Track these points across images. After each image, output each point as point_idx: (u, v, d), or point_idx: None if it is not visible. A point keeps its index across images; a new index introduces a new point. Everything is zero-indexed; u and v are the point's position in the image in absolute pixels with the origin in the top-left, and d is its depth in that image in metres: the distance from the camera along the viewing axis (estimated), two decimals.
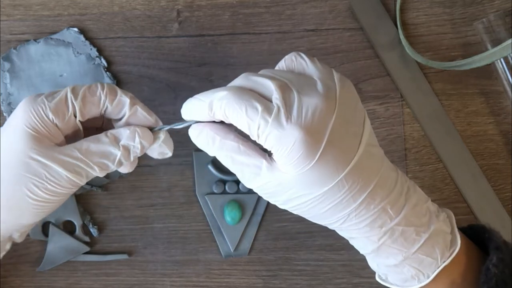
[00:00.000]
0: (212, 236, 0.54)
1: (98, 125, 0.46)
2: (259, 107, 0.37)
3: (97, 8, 0.55)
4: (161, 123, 0.43)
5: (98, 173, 0.41)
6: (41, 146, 0.40)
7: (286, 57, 0.41)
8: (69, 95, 0.41)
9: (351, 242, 0.43)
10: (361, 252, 0.44)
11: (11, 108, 0.53)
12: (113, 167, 0.42)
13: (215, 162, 0.54)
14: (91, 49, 0.54)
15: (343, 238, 0.54)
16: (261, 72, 0.40)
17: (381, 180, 0.39)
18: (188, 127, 0.40)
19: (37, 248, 0.53)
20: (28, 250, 0.53)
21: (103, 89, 0.41)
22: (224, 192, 0.53)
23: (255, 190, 0.40)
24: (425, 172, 0.55)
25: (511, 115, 0.55)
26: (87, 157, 0.40)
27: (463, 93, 0.55)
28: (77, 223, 0.53)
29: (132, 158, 0.42)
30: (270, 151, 0.38)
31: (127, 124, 0.42)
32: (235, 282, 0.54)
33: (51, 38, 0.54)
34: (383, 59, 0.54)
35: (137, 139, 0.41)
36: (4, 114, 0.53)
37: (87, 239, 0.53)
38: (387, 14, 0.55)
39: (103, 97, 0.41)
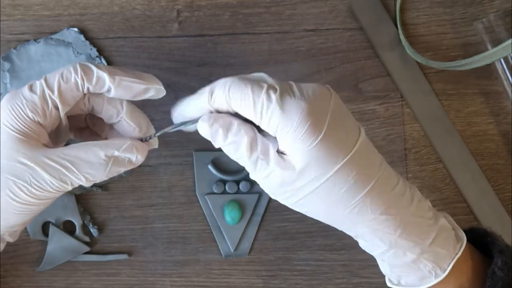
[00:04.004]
0: (212, 236, 0.54)
1: (83, 125, 0.44)
2: (264, 85, 0.37)
3: (97, 8, 0.55)
4: (154, 84, 0.41)
5: (84, 183, 0.40)
6: (28, 149, 0.38)
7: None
8: (45, 90, 0.39)
9: (362, 243, 0.42)
10: (374, 253, 0.42)
11: None
12: (102, 178, 0.40)
13: (215, 162, 0.54)
14: (91, 49, 0.54)
15: (343, 238, 0.54)
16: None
17: (385, 172, 0.39)
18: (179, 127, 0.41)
19: (37, 248, 0.53)
20: (28, 250, 0.53)
21: (77, 72, 0.39)
22: (224, 192, 0.54)
23: (262, 183, 0.39)
24: (425, 172, 0.55)
25: (511, 115, 0.55)
26: (74, 166, 0.39)
27: (463, 93, 0.55)
28: (77, 223, 0.53)
29: (120, 172, 0.40)
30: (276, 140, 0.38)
31: (117, 98, 0.41)
32: (235, 282, 0.54)
33: (51, 38, 0.54)
34: (383, 59, 0.54)
35: (134, 151, 0.40)
36: None
37: (87, 239, 0.53)
38: (387, 14, 0.55)
39: (79, 81, 0.39)
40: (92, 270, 0.54)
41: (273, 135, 0.38)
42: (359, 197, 0.38)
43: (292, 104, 0.37)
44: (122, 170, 0.40)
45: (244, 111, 0.38)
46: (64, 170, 0.39)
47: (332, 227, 0.40)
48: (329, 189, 0.38)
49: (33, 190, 0.39)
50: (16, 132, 0.38)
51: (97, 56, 0.54)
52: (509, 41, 0.46)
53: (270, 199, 0.54)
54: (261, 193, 0.54)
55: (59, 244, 0.53)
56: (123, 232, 0.54)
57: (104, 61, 0.54)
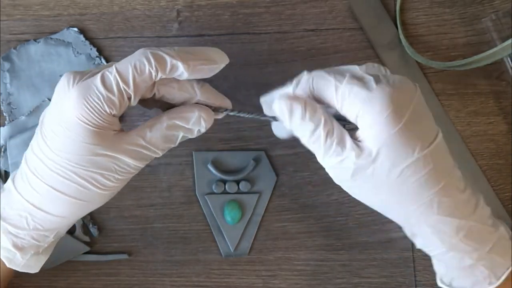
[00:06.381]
0: (212, 236, 0.54)
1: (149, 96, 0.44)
2: (347, 73, 0.38)
3: (97, 8, 0.55)
4: (224, 61, 0.41)
5: (160, 155, 0.42)
6: (106, 140, 0.39)
7: (366, 64, 0.41)
8: (121, 84, 0.38)
9: (420, 242, 0.42)
10: (432, 253, 0.42)
11: (11, 108, 0.53)
12: (174, 146, 0.42)
13: (215, 162, 0.54)
14: (91, 49, 0.54)
15: (343, 238, 0.54)
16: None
17: (456, 174, 0.40)
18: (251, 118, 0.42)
19: None
20: None
21: (151, 64, 0.39)
22: (224, 192, 0.53)
23: (332, 169, 0.40)
24: None
25: (511, 115, 0.55)
26: (152, 144, 0.41)
27: (463, 93, 0.55)
28: (77, 223, 0.53)
29: (187, 138, 0.42)
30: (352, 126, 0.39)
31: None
32: (235, 282, 0.54)
33: (51, 38, 0.54)
34: (383, 59, 0.54)
35: (202, 123, 0.41)
36: (4, 114, 0.53)
37: (87, 239, 0.53)
38: (387, 14, 0.55)
39: (153, 72, 0.39)
40: (92, 270, 0.54)
41: (353, 121, 0.38)
42: (430, 194, 0.38)
43: (375, 90, 0.37)
44: (189, 137, 0.42)
45: (326, 97, 0.38)
46: (144, 151, 0.41)
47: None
48: (401, 180, 0.38)
49: (118, 177, 0.41)
50: (92, 127, 0.38)
51: (97, 56, 0.54)
52: (509, 41, 0.46)
53: (270, 199, 0.54)
54: (261, 193, 0.54)
55: (59, 244, 0.52)
56: (123, 232, 0.54)
57: (104, 61, 0.54)
